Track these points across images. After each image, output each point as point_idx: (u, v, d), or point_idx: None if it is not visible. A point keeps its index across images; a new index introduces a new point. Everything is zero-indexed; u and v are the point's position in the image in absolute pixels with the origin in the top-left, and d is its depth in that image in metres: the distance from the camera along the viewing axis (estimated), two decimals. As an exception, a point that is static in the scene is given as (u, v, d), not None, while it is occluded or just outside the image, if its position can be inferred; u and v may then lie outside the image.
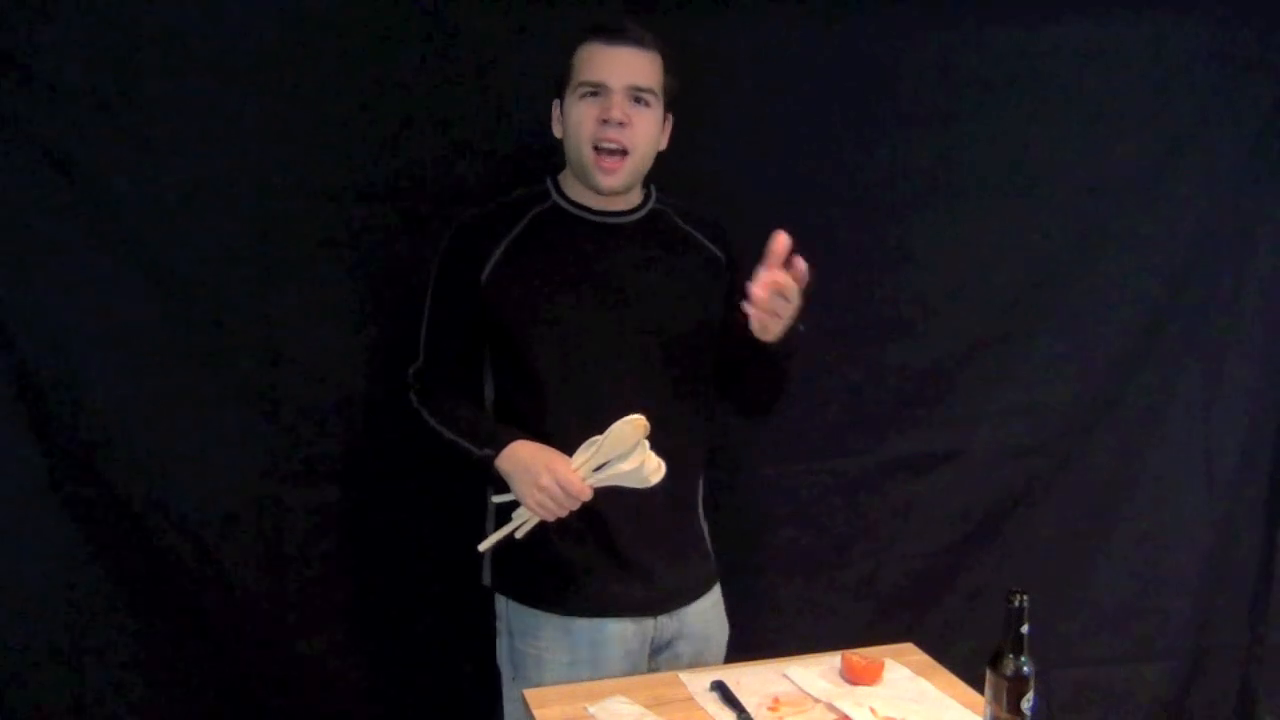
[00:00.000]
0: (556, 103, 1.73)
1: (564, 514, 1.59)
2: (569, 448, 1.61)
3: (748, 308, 1.55)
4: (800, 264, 1.53)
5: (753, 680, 1.68)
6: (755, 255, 1.75)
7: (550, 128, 1.75)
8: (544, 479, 1.56)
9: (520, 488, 1.60)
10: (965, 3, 2.13)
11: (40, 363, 1.85)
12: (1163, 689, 2.51)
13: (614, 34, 1.66)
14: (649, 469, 1.58)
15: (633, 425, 1.54)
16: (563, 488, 1.56)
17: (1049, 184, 2.25)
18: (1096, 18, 2.19)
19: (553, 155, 1.78)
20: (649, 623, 1.77)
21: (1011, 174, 2.23)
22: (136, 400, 1.89)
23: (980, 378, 2.29)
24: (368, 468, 2.01)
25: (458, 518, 2.02)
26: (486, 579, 1.82)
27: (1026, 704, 1.40)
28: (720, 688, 1.65)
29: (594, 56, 1.66)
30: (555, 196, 1.75)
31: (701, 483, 1.86)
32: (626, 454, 1.56)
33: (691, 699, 1.63)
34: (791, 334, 1.63)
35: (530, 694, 1.66)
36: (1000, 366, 2.30)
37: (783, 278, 1.52)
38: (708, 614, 1.84)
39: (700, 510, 1.86)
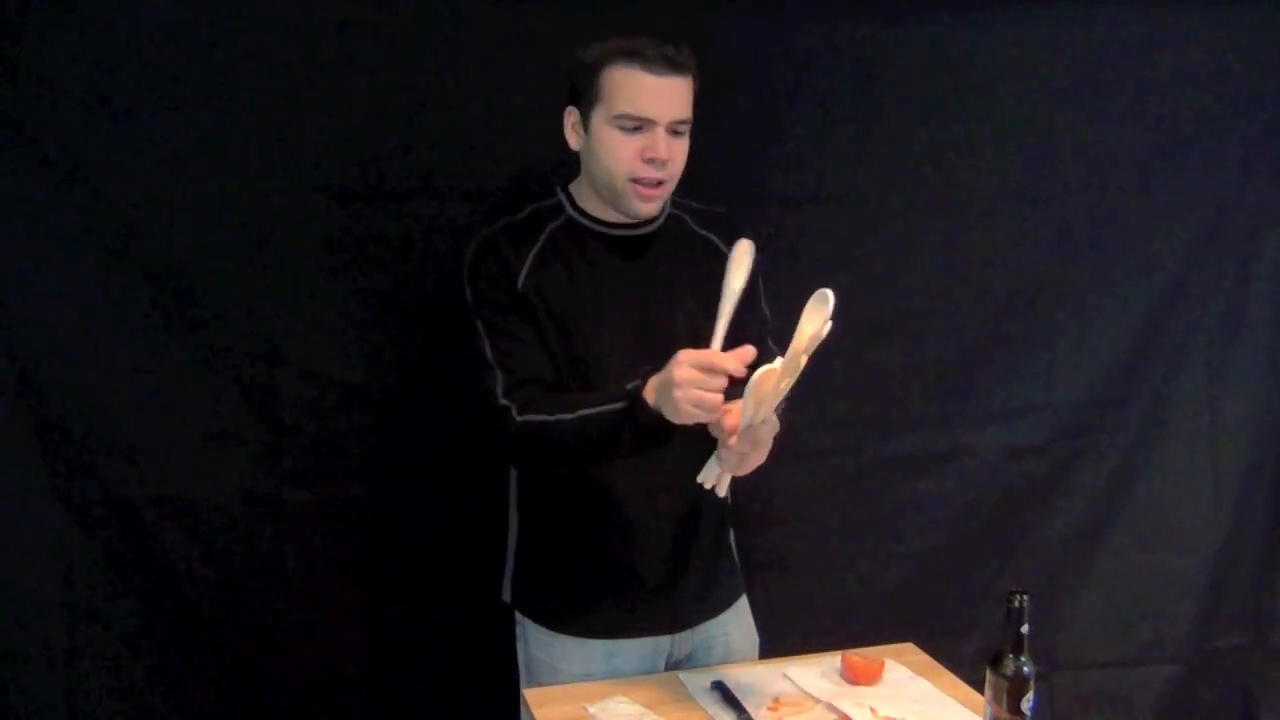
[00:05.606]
0: (572, 111, 1.62)
1: (720, 398, 1.43)
2: None
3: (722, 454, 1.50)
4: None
5: (753, 680, 1.67)
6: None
7: (565, 136, 1.64)
8: (678, 373, 1.40)
9: (670, 407, 1.44)
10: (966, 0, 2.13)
11: (40, 363, 1.85)
12: (1166, 692, 2.49)
13: (656, 63, 1.54)
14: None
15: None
16: (703, 367, 1.40)
17: (1050, 183, 2.24)
18: (1097, 16, 2.18)
19: (563, 162, 1.72)
20: (666, 639, 1.76)
21: (1012, 173, 2.22)
22: (136, 400, 1.89)
23: (981, 378, 2.29)
24: (368, 467, 2.01)
25: (463, 517, 2.02)
26: (506, 596, 1.80)
27: (1027, 704, 1.39)
28: (720, 688, 1.64)
29: (635, 87, 1.54)
30: (570, 210, 1.68)
31: (729, 496, 1.83)
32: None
33: (691, 699, 1.63)
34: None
35: (530, 694, 1.67)
36: (1001, 366, 2.29)
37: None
38: (729, 628, 1.81)
39: (728, 525, 1.84)
